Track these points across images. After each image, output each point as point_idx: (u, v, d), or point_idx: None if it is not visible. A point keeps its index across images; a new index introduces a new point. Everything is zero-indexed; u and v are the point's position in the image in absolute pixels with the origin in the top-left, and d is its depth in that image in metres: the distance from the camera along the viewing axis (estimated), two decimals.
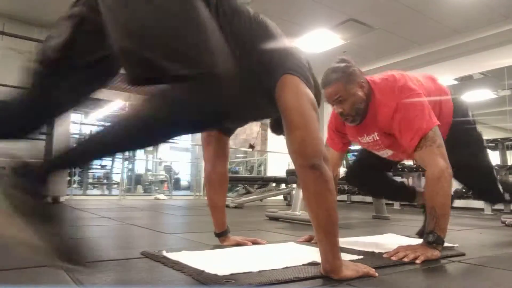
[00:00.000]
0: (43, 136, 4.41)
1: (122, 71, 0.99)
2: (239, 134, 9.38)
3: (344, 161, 4.24)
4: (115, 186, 10.64)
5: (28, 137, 0.99)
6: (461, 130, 1.66)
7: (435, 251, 1.30)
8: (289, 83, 1.02)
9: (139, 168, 12.21)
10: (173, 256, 1.20)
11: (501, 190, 1.80)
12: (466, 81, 5.95)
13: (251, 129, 9.04)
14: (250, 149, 6.58)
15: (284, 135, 1.04)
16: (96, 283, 0.91)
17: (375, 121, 1.55)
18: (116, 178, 10.97)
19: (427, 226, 1.37)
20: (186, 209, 4.30)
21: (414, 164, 4.65)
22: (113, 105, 10.25)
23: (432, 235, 1.32)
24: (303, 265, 1.11)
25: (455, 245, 1.56)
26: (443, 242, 1.34)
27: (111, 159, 11.01)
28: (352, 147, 1.85)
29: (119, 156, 8.09)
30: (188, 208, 4.53)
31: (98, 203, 4.75)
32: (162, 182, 11.04)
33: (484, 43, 4.90)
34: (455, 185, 1.94)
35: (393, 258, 1.26)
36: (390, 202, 4.08)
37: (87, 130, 11.51)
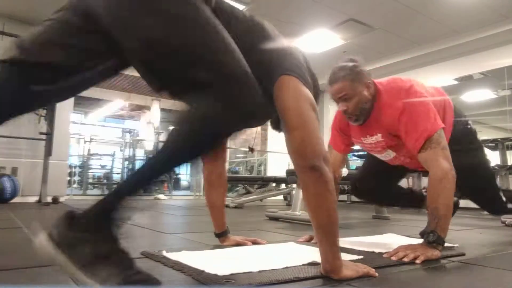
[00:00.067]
0: (43, 136, 4.44)
1: (121, 71, 0.99)
2: (239, 134, 9.35)
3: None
4: (115, 186, 10.61)
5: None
6: (461, 137, 1.67)
7: (435, 251, 1.30)
8: (287, 84, 1.02)
9: None
10: (173, 256, 1.20)
11: (504, 199, 1.80)
12: (466, 81, 5.95)
13: (251, 129, 9.02)
14: (250, 152, 6.59)
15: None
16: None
17: (379, 122, 1.56)
18: (116, 178, 10.97)
19: (428, 226, 1.38)
20: (186, 209, 4.30)
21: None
22: (113, 105, 10.26)
23: (432, 235, 1.33)
24: (303, 265, 1.11)
25: (455, 245, 1.56)
26: (443, 242, 1.34)
27: (111, 159, 11.03)
28: (354, 147, 1.84)
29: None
30: (188, 208, 4.52)
31: None
32: (162, 182, 11.03)
33: (484, 43, 4.90)
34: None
35: (393, 258, 1.26)
36: None
37: (87, 130, 11.53)
